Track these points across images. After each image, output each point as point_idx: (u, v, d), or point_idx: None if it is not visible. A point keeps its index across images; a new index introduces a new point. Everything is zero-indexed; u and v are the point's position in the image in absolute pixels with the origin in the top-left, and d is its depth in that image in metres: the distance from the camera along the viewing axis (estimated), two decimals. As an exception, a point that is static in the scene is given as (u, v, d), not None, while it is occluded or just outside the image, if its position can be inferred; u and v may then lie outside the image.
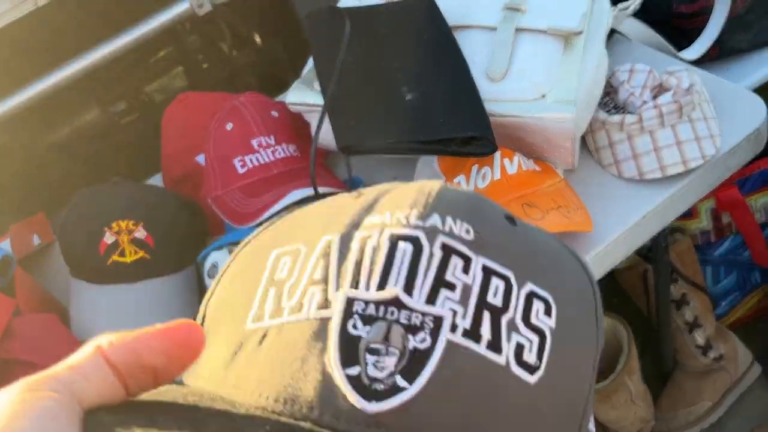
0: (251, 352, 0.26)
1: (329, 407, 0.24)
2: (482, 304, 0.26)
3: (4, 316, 0.73)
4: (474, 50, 0.82)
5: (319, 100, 0.85)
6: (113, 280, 0.81)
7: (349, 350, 0.24)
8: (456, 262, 0.26)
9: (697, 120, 0.81)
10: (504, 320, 0.26)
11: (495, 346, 0.25)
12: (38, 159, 1.31)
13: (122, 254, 0.82)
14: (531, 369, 0.26)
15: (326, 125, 0.83)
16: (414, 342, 0.25)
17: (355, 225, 0.27)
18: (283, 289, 0.27)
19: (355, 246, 0.26)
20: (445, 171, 0.83)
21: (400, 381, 0.24)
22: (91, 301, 0.81)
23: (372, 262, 0.26)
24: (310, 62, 0.91)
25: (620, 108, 0.85)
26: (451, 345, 0.25)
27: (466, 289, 0.26)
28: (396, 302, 0.25)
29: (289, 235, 0.29)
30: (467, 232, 0.27)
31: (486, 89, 0.80)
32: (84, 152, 1.35)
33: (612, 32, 0.93)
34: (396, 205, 0.28)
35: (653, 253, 1.06)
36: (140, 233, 0.83)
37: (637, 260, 1.21)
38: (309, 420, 0.24)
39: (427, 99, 0.80)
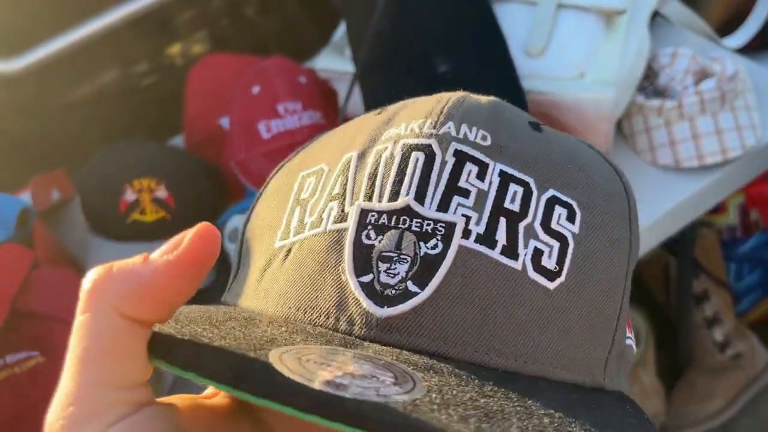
0: (277, 267, 0.27)
1: (344, 314, 0.25)
2: (498, 209, 0.26)
3: (22, 269, 0.72)
4: (513, 24, 0.80)
5: (350, 67, 0.83)
6: (133, 238, 0.80)
7: (363, 259, 0.25)
8: (470, 169, 0.26)
9: (740, 109, 0.78)
10: (521, 226, 0.26)
11: (511, 251, 0.25)
12: (58, 117, 1.29)
13: (143, 213, 0.81)
14: (550, 274, 0.26)
15: (354, 94, 0.81)
16: (425, 248, 0.25)
17: (374, 140, 0.28)
18: (307, 207, 0.28)
19: (370, 159, 0.27)
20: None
21: (411, 286, 0.25)
22: (110, 259, 0.80)
23: (385, 173, 0.26)
24: (342, 28, 0.89)
25: (659, 93, 0.82)
26: (463, 250, 0.25)
27: (481, 195, 0.26)
28: (408, 211, 0.25)
29: (315, 156, 0.30)
30: (484, 138, 0.27)
31: (523, 65, 0.77)
32: (103, 112, 1.33)
33: (655, 14, 0.90)
34: (413, 116, 0.28)
35: (679, 245, 1.04)
36: (161, 192, 0.81)
37: (660, 252, 1.19)
38: (326, 326, 0.25)
39: (461, 72, 0.77)
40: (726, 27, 0.95)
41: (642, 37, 0.80)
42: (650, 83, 0.83)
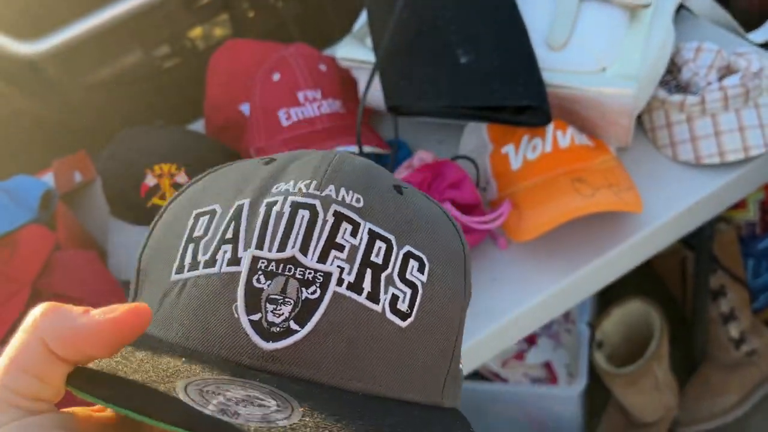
0: (174, 299, 0.31)
1: (236, 346, 0.29)
2: (366, 262, 0.31)
3: (45, 250, 0.74)
4: (535, 16, 0.79)
5: (370, 56, 0.83)
6: (152, 222, 0.81)
7: (253, 300, 0.30)
8: (346, 227, 0.31)
9: (764, 106, 0.77)
10: (383, 276, 0.31)
11: (373, 296, 0.31)
12: (80, 99, 1.31)
13: (163, 197, 0.81)
14: (403, 315, 0.32)
15: (375, 84, 0.81)
16: (306, 293, 0.30)
17: (264, 191, 0.32)
18: (200, 245, 0.32)
19: (262, 210, 0.31)
20: (494, 139, 0.81)
21: (293, 325, 0.30)
22: (130, 241, 0.81)
23: (275, 226, 0.31)
24: (363, 17, 0.89)
25: (681, 87, 0.81)
26: (336, 296, 0.30)
27: (353, 250, 0.31)
28: (293, 261, 0.30)
29: (207, 196, 0.34)
30: (358, 200, 0.32)
31: (544, 58, 0.77)
32: (125, 94, 1.34)
33: (680, 7, 0.89)
34: (300, 173, 0.33)
35: (696, 240, 1.03)
36: (182, 178, 0.82)
37: (677, 247, 1.18)
38: (220, 357, 0.29)
39: (483, 63, 0.77)
40: (753, 20, 0.94)
41: (666, 31, 0.79)
42: (673, 78, 0.83)
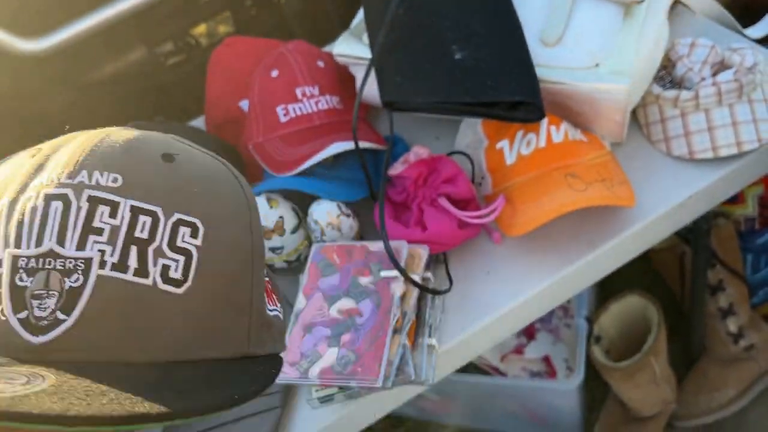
0: None
1: (10, 345, 0.31)
2: (130, 239, 0.32)
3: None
4: (529, 12, 0.80)
5: (367, 53, 0.84)
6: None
7: (18, 299, 0.31)
8: (103, 210, 0.32)
9: (757, 101, 0.78)
10: (150, 249, 0.32)
11: (142, 271, 0.32)
12: (84, 95, 1.32)
13: (162, 193, 0.83)
14: (177, 283, 0.33)
15: (371, 79, 0.82)
16: (69, 283, 0.31)
17: (23, 188, 0.33)
18: None
19: (18, 208, 0.33)
20: (489, 134, 0.82)
21: (60, 315, 0.31)
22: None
23: (30, 222, 0.32)
24: (360, 14, 0.90)
25: (676, 83, 0.82)
26: (101, 279, 0.31)
27: (114, 230, 0.32)
28: (52, 254, 0.31)
29: None
30: (114, 180, 0.33)
31: (539, 54, 0.78)
32: (128, 90, 1.36)
33: (675, 2, 0.89)
34: (56, 164, 0.34)
35: (694, 235, 1.04)
36: (181, 174, 0.83)
37: (676, 242, 1.18)
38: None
39: (477, 60, 0.78)
40: (748, 15, 0.94)
41: (660, 27, 0.80)
42: (667, 73, 0.83)
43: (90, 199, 0.32)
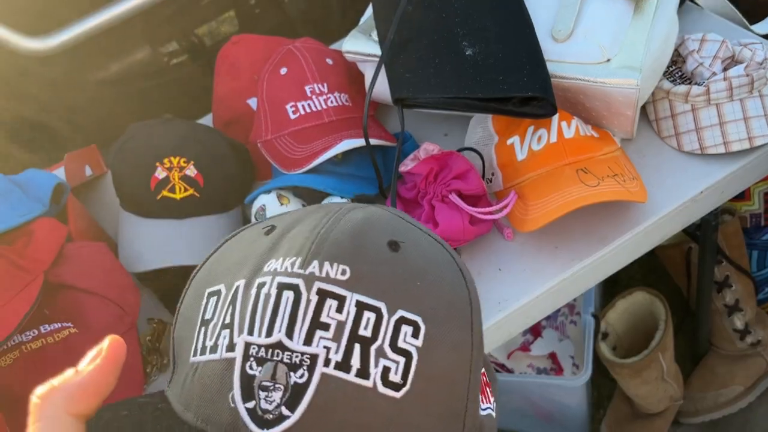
0: (190, 381, 0.33)
1: None
2: (353, 337, 0.31)
3: (57, 241, 0.75)
4: (540, 8, 0.80)
5: (376, 50, 0.83)
6: (162, 215, 0.82)
7: (247, 388, 0.31)
8: (330, 304, 0.31)
9: None
10: (373, 349, 0.31)
11: (363, 372, 0.31)
12: (89, 94, 1.32)
13: (172, 190, 0.83)
14: (397, 387, 0.31)
15: (381, 77, 0.82)
16: (295, 378, 0.30)
17: (258, 270, 0.33)
18: (208, 330, 0.33)
19: (253, 293, 0.32)
20: (499, 131, 0.82)
21: (285, 411, 0.30)
22: (140, 234, 0.82)
23: (263, 310, 0.32)
24: (369, 11, 0.90)
25: (686, 78, 0.82)
26: (324, 377, 0.30)
27: (340, 327, 0.31)
28: (280, 345, 0.31)
29: (218, 272, 0.36)
30: (343, 272, 0.32)
31: (549, 49, 0.78)
32: (133, 90, 1.35)
33: (684, -1, 0.89)
34: (290, 248, 0.33)
35: (701, 231, 1.04)
36: (191, 171, 0.83)
37: (683, 238, 1.18)
38: None
39: (488, 55, 0.78)
40: (759, 12, 0.94)
41: (670, 22, 0.80)
42: (678, 68, 0.83)
43: (319, 291, 0.32)
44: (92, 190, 0.99)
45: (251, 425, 0.30)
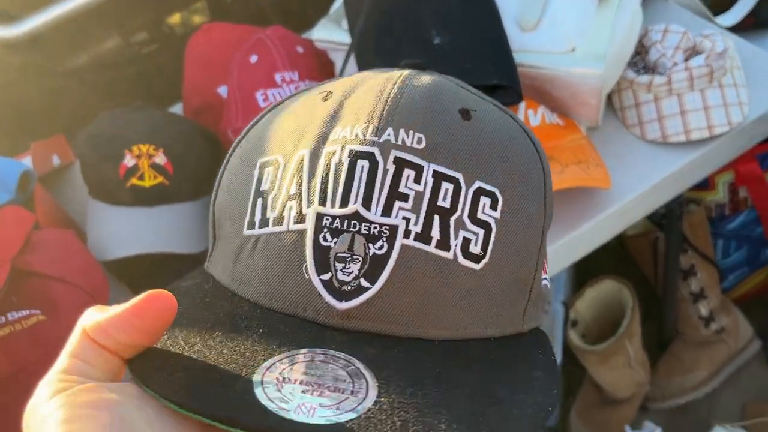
0: (248, 256, 0.31)
1: (310, 306, 0.29)
2: (432, 208, 0.30)
3: (24, 229, 0.74)
4: (507, -2, 0.81)
5: (346, 38, 0.84)
6: (131, 203, 0.82)
7: (322, 259, 0.29)
8: (408, 174, 0.30)
9: (728, 86, 0.80)
10: (452, 220, 0.30)
11: (444, 244, 0.30)
12: (57, 84, 1.30)
13: (141, 178, 0.82)
14: (476, 258, 0.30)
15: (351, 65, 0.83)
16: (374, 249, 0.29)
17: (323, 138, 0.31)
18: (267, 201, 0.31)
19: (322, 162, 0.30)
20: (468, 119, 0.83)
21: (364, 282, 0.29)
22: (109, 222, 0.82)
23: (336, 179, 0.30)
24: (339, 0, 0.90)
25: (650, 68, 0.84)
26: (404, 248, 0.29)
27: (418, 197, 0.30)
28: (357, 216, 0.29)
29: (271, 143, 0.33)
30: (419, 141, 0.30)
31: (516, 39, 0.79)
32: (102, 80, 1.34)
33: (648, -9, 0.91)
34: (357, 115, 0.31)
35: (666, 220, 1.06)
36: (160, 159, 0.83)
37: (649, 228, 1.21)
38: (296, 316, 0.29)
39: (456, 44, 0.79)
40: (720, 4, 0.96)
41: (634, 13, 0.81)
42: (641, 59, 0.85)
43: (397, 161, 0.30)
44: (60, 179, 0.99)
45: (327, 297, 0.29)
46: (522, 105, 0.78)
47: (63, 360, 0.26)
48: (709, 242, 1.19)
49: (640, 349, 1.18)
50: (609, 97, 0.86)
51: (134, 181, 0.82)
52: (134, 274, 0.86)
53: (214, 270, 0.34)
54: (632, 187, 0.79)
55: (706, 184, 1.16)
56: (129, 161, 0.82)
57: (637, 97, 0.82)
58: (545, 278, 0.34)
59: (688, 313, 1.22)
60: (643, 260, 1.26)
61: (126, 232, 0.81)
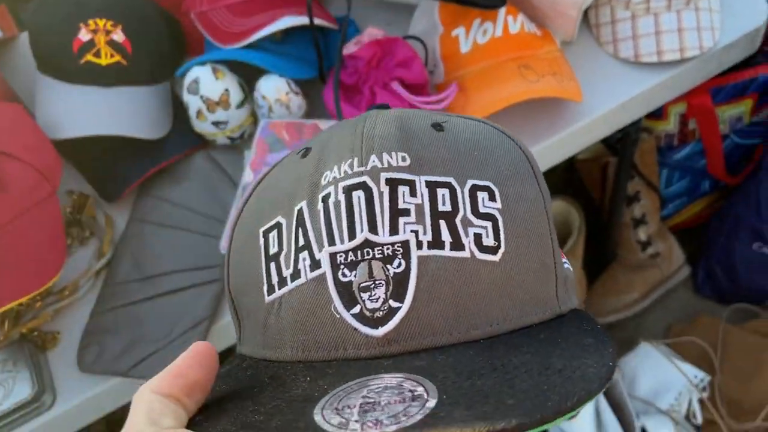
0: (275, 321, 0.32)
1: (349, 343, 0.30)
2: (436, 215, 0.31)
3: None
4: None
5: None
6: (86, 81, 0.77)
7: (347, 294, 0.30)
8: (403, 190, 0.31)
9: (703, 10, 0.80)
10: (458, 220, 0.31)
11: (457, 244, 0.30)
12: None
13: (97, 55, 0.77)
14: (493, 250, 0.31)
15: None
16: (392, 269, 0.30)
17: (314, 187, 0.32)
18: (280, 261, 0.32)
19: (320, 207, 0.31)
20: (445, 21, 0.80)
21: (393, 303, 0.30)
22: (61, 99, 0.77)
23: (338, 217, 0.31)
24: None
25: (629, -14, 0.83)
26: (422, 259, 0.30)
27: (419, 209, 0.31)
28: (368, 243, 0.30)
29: (265, 210, 0.34)
30: (403, 159, 0.32)
31: (503, -61, 0.76)
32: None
33: None
34: (339, 155, 0.32)
35: (621, 144, 1.08)
36: (118, 36, 0.78)
37: (601, 152, 1.24)
38: (338, 358, 0.30)
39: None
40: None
41: (621, -74, 0.80)
42: (622, -25, 0.84)
43: (388, 181, 0.31)
44: (3, 52, 0.91)
45: (363, 328, 0.30)
46: (502, 10, 0.77)
47: (134, 427, 0.27)
48: (655, 170, 1.23)
49: (580, 270, 1.23)
50: (585, 13, 0.85)
51: (89, 57, 0.77)
52: (86, 157, 0.82)
53: (246, 350, 0.34)
54: (601, 104, 0.80)
55: (659, 114, 1.19)
56: (84, 35, 0.77)
57: (614, 14, 0.82)
58: (566, 262, 0.35)
59: (628, 237, 1.27)
60: (591, 183, 1.30)
61: (80, 111, 0.76)
